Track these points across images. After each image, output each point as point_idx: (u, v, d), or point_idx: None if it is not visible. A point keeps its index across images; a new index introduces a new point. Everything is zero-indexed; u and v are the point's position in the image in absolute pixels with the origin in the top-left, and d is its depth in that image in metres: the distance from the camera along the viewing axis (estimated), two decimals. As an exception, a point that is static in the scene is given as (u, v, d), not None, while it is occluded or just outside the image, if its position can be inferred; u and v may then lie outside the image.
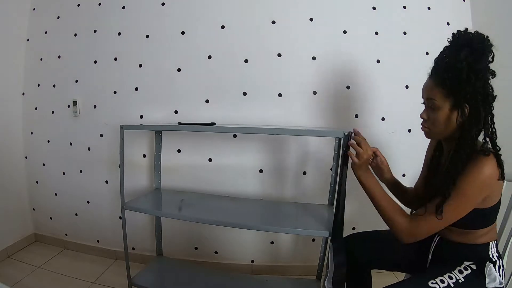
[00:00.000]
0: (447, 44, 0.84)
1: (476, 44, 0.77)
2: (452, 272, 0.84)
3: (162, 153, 1.65)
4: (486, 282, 0.82)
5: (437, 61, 0.85)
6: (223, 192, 1.70)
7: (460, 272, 0.84)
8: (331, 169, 1.44)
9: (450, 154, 0.84)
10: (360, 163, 0.92)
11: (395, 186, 1.09)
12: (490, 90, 0.79)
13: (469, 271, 0.84)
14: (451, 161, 0.82)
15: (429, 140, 1.04)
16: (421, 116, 0.89)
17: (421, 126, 0.91)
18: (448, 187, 0.78)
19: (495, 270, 0.83)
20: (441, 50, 0.85)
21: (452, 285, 0.81)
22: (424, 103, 0.89)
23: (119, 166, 1.39)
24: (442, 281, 0.82)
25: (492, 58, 0.79)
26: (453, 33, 0.83)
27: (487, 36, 0.79)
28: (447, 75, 0.78)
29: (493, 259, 0.85)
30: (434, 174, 0.97)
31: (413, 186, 1.11)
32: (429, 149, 1.06)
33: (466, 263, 0.86)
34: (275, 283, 1.55)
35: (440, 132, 0.86)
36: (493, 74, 0.80)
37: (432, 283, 0.82)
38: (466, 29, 0.82)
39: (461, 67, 0.76)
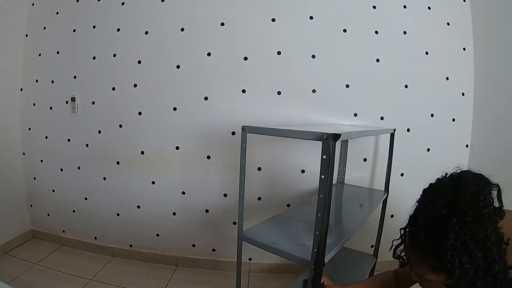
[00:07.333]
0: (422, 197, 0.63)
1: (465, 207, 0.55)
2: None
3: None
4: None
5: (414, 222, 0.62)
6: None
7: None
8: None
9: None
10: None
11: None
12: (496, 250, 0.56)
13: None
14: None
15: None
16: (413, 278, 0.67)
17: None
18: None
19: None
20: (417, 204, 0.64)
21: None
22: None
23: (240, 174, 1.01)
24: None
25: (497, 195, 0.58)
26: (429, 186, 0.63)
27: (477, 177, 0.58)
28: (431, 248, 0.58)
29: None
30: None
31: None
32: None
33: None
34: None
35: None
36: (501, 216, 0.58)
37: None
38: (445, 174, 0.62)
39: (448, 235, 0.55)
